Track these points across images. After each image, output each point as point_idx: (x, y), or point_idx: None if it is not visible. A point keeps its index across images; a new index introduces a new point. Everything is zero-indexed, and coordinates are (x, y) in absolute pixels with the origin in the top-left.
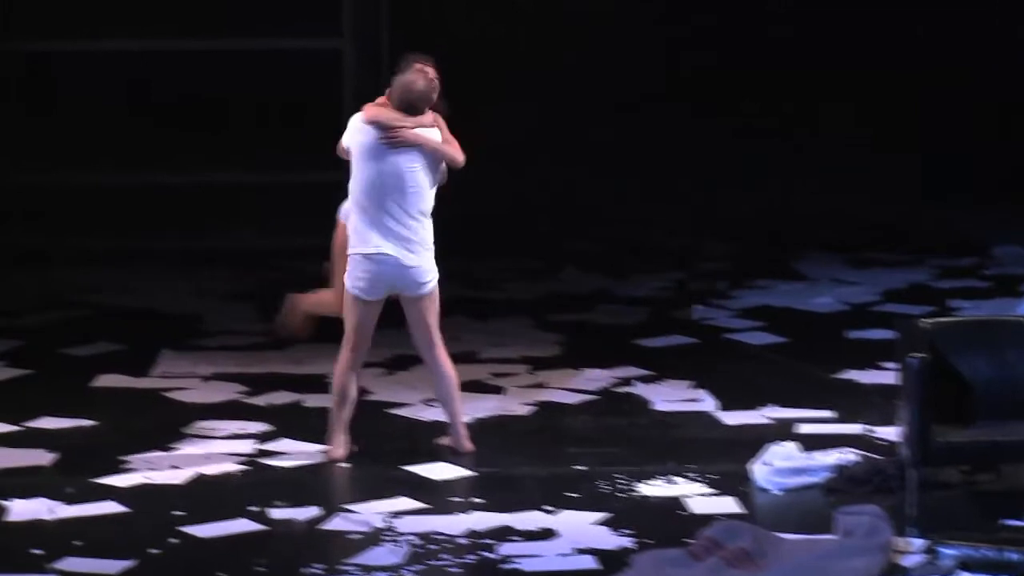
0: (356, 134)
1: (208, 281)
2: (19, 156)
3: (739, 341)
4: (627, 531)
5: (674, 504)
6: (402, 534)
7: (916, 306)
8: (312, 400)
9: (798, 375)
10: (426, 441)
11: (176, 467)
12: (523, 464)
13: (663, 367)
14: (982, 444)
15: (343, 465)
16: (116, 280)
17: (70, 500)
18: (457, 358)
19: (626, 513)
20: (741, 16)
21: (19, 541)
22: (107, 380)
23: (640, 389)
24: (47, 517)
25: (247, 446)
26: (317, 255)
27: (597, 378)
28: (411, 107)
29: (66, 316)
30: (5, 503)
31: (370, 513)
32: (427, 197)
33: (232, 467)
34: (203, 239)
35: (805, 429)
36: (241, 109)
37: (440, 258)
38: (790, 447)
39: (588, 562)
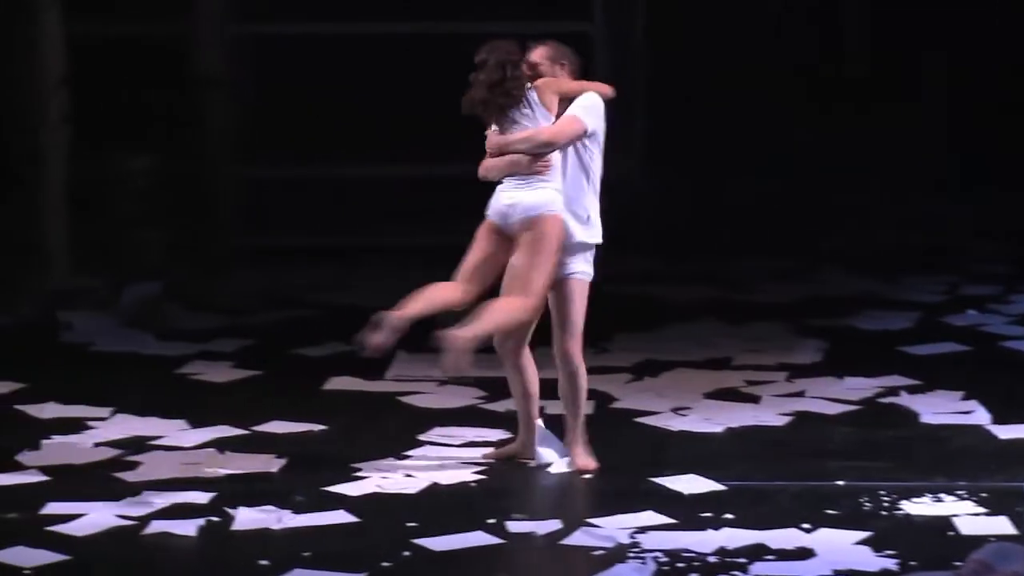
0: (601, 118)
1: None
2: (247, 149)
3: (1016, 349)
4: (890, 552)
5: (942, 523)
6: (648, 550)
7: None
8: (553, 407)
9: None
10: (675, 452)
11: (410, 476)
12: (778, 478)
13: (932, 376)
14: None
15: (586, 477)
16: (348, 278)
17: (299, 509)
18: (711, 364)
19: (889, 532)
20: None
21: (245, 551)
22: (339, 383)
23: (906, 399)
24: (275, 526)
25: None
26: None
27: (860, 387)
28: None
29: (297, 315)
30: (231, 511)
31: (614, 528)
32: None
33: (468, 476)
34: (435, 234)
35: None
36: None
37: (687, 257)
38: None
39: None
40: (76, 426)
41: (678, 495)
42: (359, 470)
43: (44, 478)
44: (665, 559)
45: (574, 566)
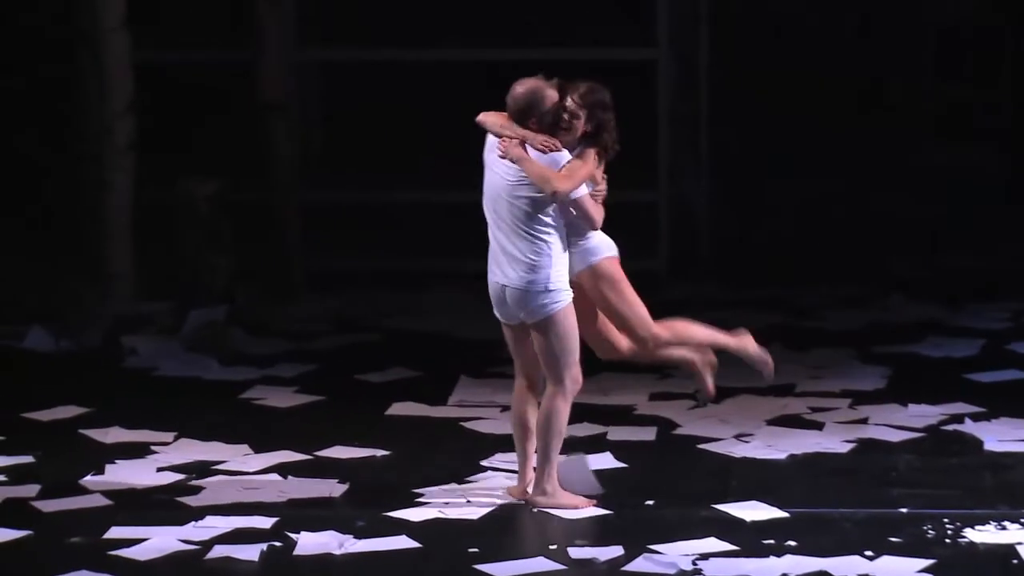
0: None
1: None
2: (311, 174)
3: None
4: None
5: (1007, 552)
6: None
7: None
8: (618, 432)
9: None
10: (737, 478)
11: (472, 501)
12: (841, 505)
13: (996, 403)
14: None
15: (648, 503)
16: (410, 303)
17: (361, 534)
18: (774, 391)
19: (952, 561)
20: None
21: None
22: (402, 408)
23: (971, 427)
24: (336, 552)
25: None
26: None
27: (924, 414)
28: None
29: (359, 340)
30: (294, 535)
31: (676, 555)
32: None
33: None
34: None
35: None
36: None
37: (751, 282)
38: None
39: None
40: (140, 451)
41: (740, 522)
42: (421, 496)
43: (107, 502)
44: None
45: None
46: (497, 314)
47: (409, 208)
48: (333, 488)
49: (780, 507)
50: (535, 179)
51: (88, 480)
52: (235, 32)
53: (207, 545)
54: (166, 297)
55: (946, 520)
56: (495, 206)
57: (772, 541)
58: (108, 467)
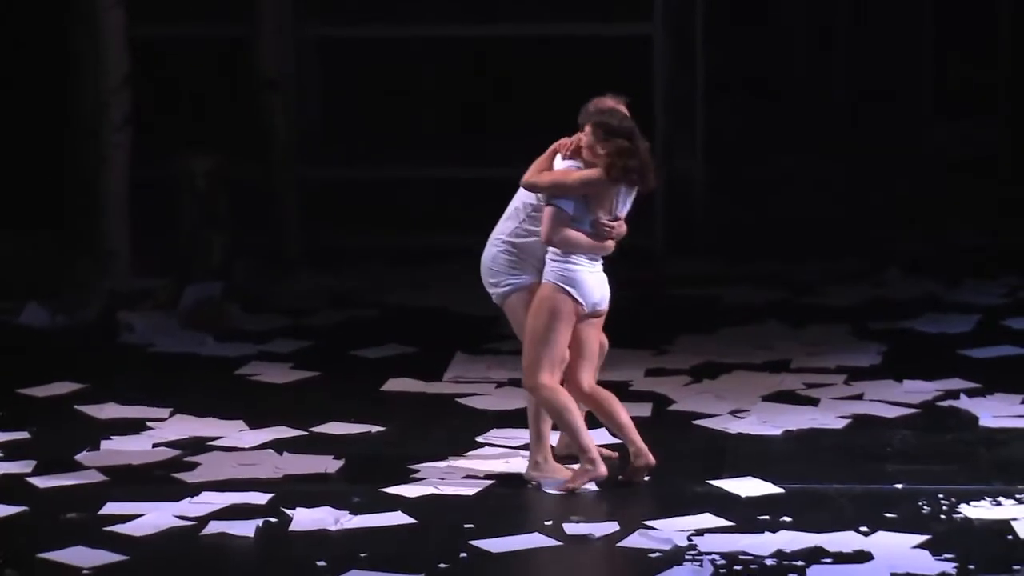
0: None
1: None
2: (308, 150)
3: None
4: (948, 556)
5: (1001, 527)
6: (705, 553)
7: None
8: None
9: None
10: (732, 454)
11: (468, 477)
12: (836, 481)
13: (992, 379)
14: None
15: (643, 479)
16: (407, 279)
17: (357, 510)
18: (769, 367)
19: (948, 536)
20: None
21: (303, 552)
22: (397, 384)
23: (966, 403)
24: (332, 527)
25: None
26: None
27: (919, 390)
28: None
29: (356, 316)
30: (290, 512)
31: (672, 530)
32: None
33: (526, 478)
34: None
35: None
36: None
37: (754, 261)
38: None
39: None
40: (135, 426)
41: (736, 498)
42: (417, 471)
43: (103, 478)
44: (722, 562)
45: (631, 568)
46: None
47: (406, 184)
48: (329, 464)
49: (775, 483)
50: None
51: (84, 456)
52: (233, 7)
53: (203, 521)
54: (163, 273)
55: (941, 496)
56: None
57: (767, 517)
58: (104, 443)
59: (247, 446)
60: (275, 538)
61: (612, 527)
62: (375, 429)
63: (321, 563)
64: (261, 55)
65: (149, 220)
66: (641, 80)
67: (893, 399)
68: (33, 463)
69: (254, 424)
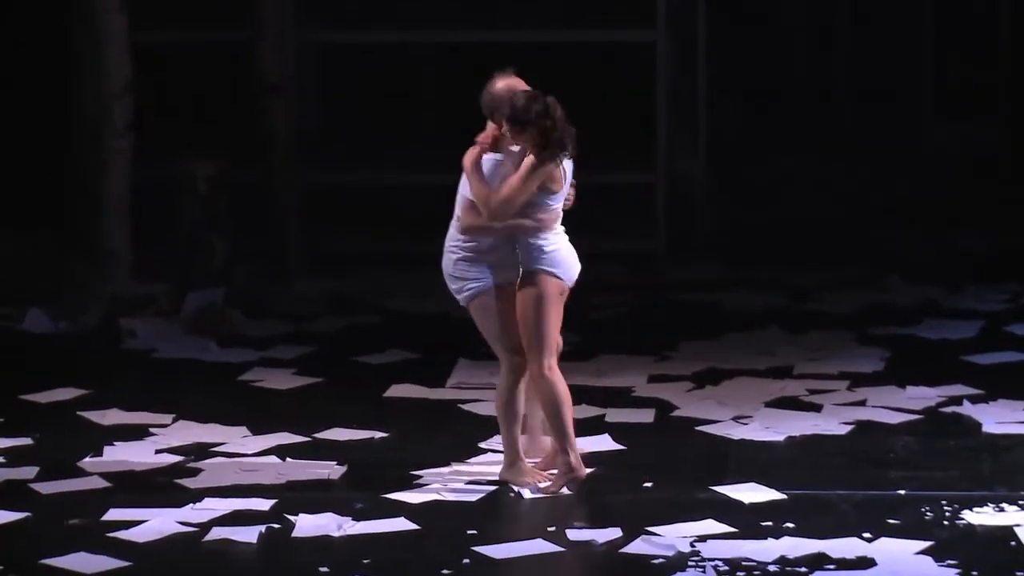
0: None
1: None
2: (310, 155)
3: None
4: (951, 562)
5: (1005, 534)
6: (708, 559)
7: None
8: (616, 414)
9: None
10: (735, 460)
11: (471, 483)
12: (839, 487)
13: (995, 385)
14: None
15: (646, 485)
16: (409, 284)
17: (359, 516)
18: (773, 373)
19: (951, 543)
20: None
21: (306, 558)
22: (400, 390)
23: (969, 409)
24: (335, 533)
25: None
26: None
27: (922, 396)
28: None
29: (358, 322)
30: (292, 518)
31: (674, 536)
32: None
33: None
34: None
35: None
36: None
37: (755, 265)
38: None
39: None
40: (138, 432)
41: (739, 504)
42: (420, 478)
43: (106, 484)
44: (725, 568)
45: (634, 574)
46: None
47: (408, 188)
48: (331, 470)
49: (778, 489)
50: (476, 197)
51: (86, 462)
52: (236, 12)
53: (205, 527)
54: (164, 277)
55: (944, 502)
56: None
57: (770, 523)
58: (106, 449)
59: (250, 452)
60: (278, 544)
61: (615, 533)
62: (378, 435)
63: (324, 569)
64: (262, 59)
65: (150, 224)
66: (643, 83)
67: (896, 405)
68: (36, 469)
69: (257, 430)
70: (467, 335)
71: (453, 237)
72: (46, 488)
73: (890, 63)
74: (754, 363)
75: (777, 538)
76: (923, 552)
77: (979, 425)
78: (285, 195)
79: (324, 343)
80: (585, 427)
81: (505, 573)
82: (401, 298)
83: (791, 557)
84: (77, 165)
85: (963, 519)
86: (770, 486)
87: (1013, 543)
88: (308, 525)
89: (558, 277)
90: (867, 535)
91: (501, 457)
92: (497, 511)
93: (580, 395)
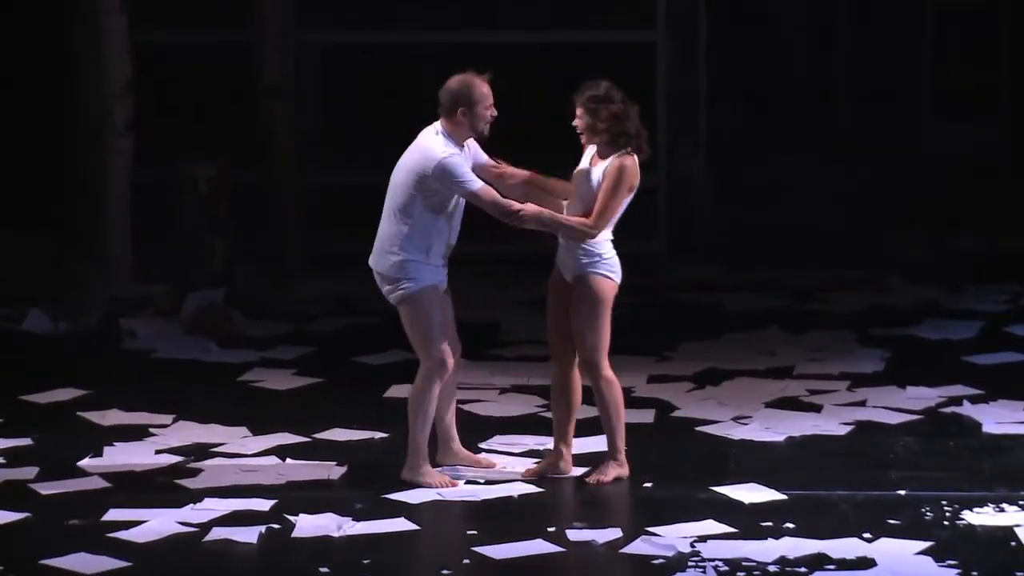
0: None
1: (509, 287)
2: (311, 155)
3: None
4: (952, 562)
5: (1005, 534)
6: (708, 559)
7: None
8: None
9: None
10: (735, 461)
11: (470, 483)
12: (839, 487)
13: (995, 386)
14: None
15: (647, 486)
16: None
17: (359, 516)
18: (773, 373)
19: (951, 543)
20: None
21: (306, 558)
22: (400, 390)
23: (969, 409)
24: (335, 534)
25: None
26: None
27: (922, 397)
28: None
29: (358, 322)
30: (292, 518)
31: (674, 536)
32: (397, 195)
33: (529, 485)
34: (504, 244)
35: None
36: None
37: (755, 265)
38: None
39: None
40: (138, 433)
41: (739, 504)
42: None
43: (106, 484)
44: (725, 568)
45: (634, 575)
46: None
47: None
48: (332, 470)
49: (778, 489)
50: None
51: (86, 462)
52: (236, 14)
53: (205, 527)
54: (164, 278)
55: (944, 502)
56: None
57: (770, 523)
58: (106, 449)
59: (250, 452)
60: (278, 545)
61: (615, 533)
62: (378, 435)
63: (324, 569)
64: (262, 60)
65: (150, 225)
66: (643, 83)
67: (896, 405)
68: (36, 469)
69: (257, 431)
70: (466, 336)
71: (393, 237)
72: (46, 488)
73: (890, 64)
74: (754, 363)
75: (777, 538)
76: (923, 552)
77: (979, 425)
78: (285, 196)
79: (324, 344)
80: (585, 427)
81: (505, 573)
82: None
83: (791, 557)
84: (77, 165)
85: (963, 519)
86: (770, 486)
87: (1013, 543)
88: (308, 525)
89: (615, 280)
90: (867, 535)
91: (501, 457)
92: (497, 511)
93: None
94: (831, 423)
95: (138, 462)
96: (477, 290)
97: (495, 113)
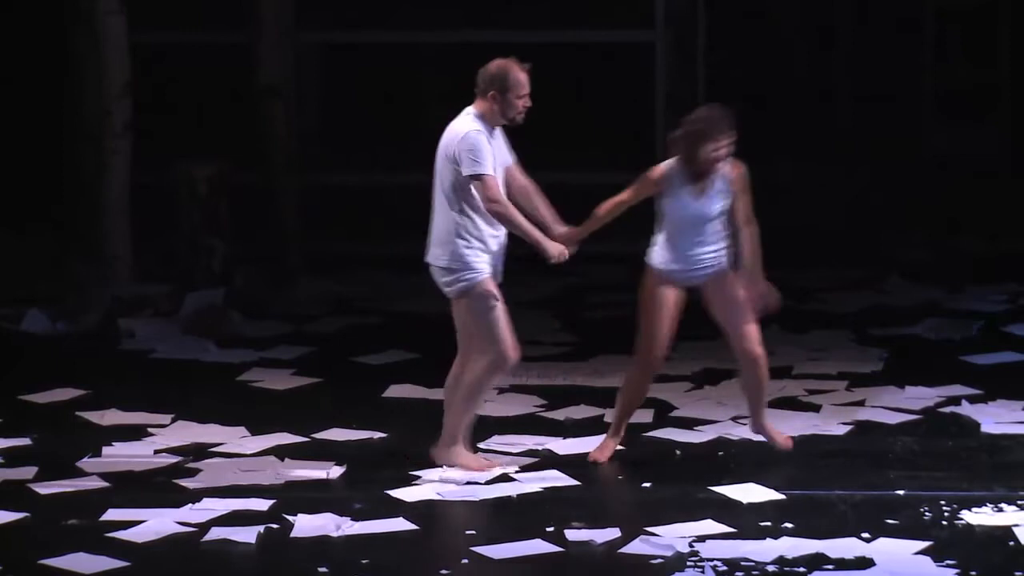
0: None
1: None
2: (310, 156)
3: None
4: (950, 562)
5: (1003, 534)
6: (706, 559)
7: None
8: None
9: None
10: (734, 460)
11: (470, 483)
12: (838, 487)
13: (994, 386)
14: None
15: (645, 485)
16: (408, 285)
17: (358, 516)
18: (771, 372)
19: (949, 543)
20: None
21: (304, 558)
22: (399, 390)
23: (968, 409)
24: (334, 534)
25: (543, 462)
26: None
27: (921, 396)
28: None
29: (357, 323)
30: (291, 518)
31: (673, 536)
32: (443, 184)
33: (528, 485)
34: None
35: None
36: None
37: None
38: None
39: None
40: (137, 433)
41: (737, 504)
42: (419, 478)
43: (105, 484)
44: (724, 568)
45: (633, 575)
46: None
47: (406, 190)
48: (330, 470)
49: (777, 489)
50: None
51: (85, 462)
52: (235, 15)
53: (204, 527)
54: (164, 279)
55: (943, 502)
56: None
57: (769, 523)
58: (105, 449)
59: (248, 452)
60: (276, 545)
61: (614, 533)
62: (377, 435)
63: (323, 569)
64: (261, 61)
65: (150, 225)
66: (643, 83)
67: (895, 405)
68: (34, 469)
69: (256, 431)
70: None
71: (446, 228)
72: (45, 488)
73: (890, 64)
74: None
75: (776, 538)
76: (922, 552)
77: (978, 425)
78: (284, 196)
79: (323, 344)
80: (585, 427)
81: (504, 573)
82: (400, 299)
83: (790, 557)
84: (76, 165)
85: (962, 519)
86: (769, 486)
87: (1012, 543)
88: (307, 525)
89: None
90: (866, 535)
91: (500, 457)
92: (496, 511)
93: (579, 395)
94: (830, 423)
95: (137, 462)
96: None
97: (529, 103)
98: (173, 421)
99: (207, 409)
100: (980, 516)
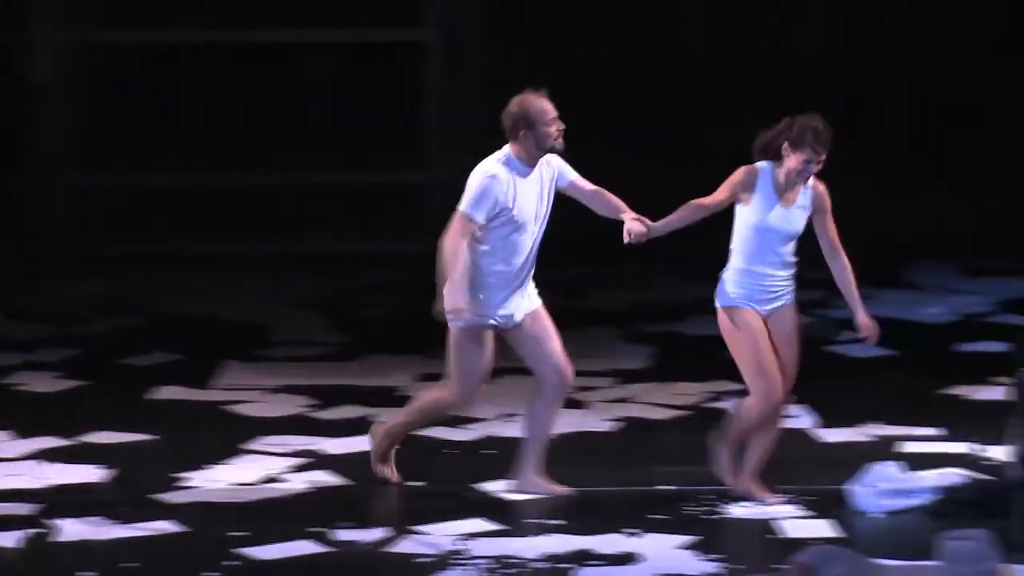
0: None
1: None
2: (74, 156)
3: (842, 354)
4: (715, 556)
5: (766, 527)
6: (475, 557)
7: None
8: (383, 415)
9: (903, 390)
10: (502, 459)
11: (236, 485)
12: (605, 484)
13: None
14: None
15: (414, 484)
16: (178, 286)
17: (124, 519)
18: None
19: (714, 536)
20: None
21: (69, 562)
22: (166, 392)
23: (729, 404)
24: (99, 536)
25: (312, 463)
26: (397, 262)
27: (688, 392)
28: None
29: (125, 324)
30: (56, 521)
31: (441, 535)
32: None
33: (295, 486)
34: (274, 243)
35: (909, 448)
36: (316, 106)
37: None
38: (892, 467)
39: None
40: None
41: (507, 501)
42: (185, 480)
43: None
44: (493, 565)
45: (399, 573)
46: None
47: (176, 190)
48: (98, 473)
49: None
50: None
51: None
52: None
53: None
54: None
55: (708, 496)
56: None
57: (536, 520)
58: None
59: (13, 456)
60: (39, 549)
61: (381, 533)
62: (143, 438)
63: (87, 573)
64: (28, 61)
65: None
66: (412, 85)
67: (661, 401)
68: None
69: (21, 434)
70: (232, 336)
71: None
72: None
73: None
74: (522, 361)
75: (543, 535)
76: (687, 547)
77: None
78: (48, 197)
79: (89, 345)
80: (354, 428)
81: (271, 574)
82: (166, 300)
83: (557, 553)
84: None
85: (726, 513)
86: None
87: (774, 536)
88: (71, 529)
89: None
90: (632, 531)
91: (267, 458)
92: (263, 513)
93: (345, 396)
94: (597, 420)
95: None
96: (245, 291)
97: (562, 126)
98: None
99: None
100: (744, 510)
